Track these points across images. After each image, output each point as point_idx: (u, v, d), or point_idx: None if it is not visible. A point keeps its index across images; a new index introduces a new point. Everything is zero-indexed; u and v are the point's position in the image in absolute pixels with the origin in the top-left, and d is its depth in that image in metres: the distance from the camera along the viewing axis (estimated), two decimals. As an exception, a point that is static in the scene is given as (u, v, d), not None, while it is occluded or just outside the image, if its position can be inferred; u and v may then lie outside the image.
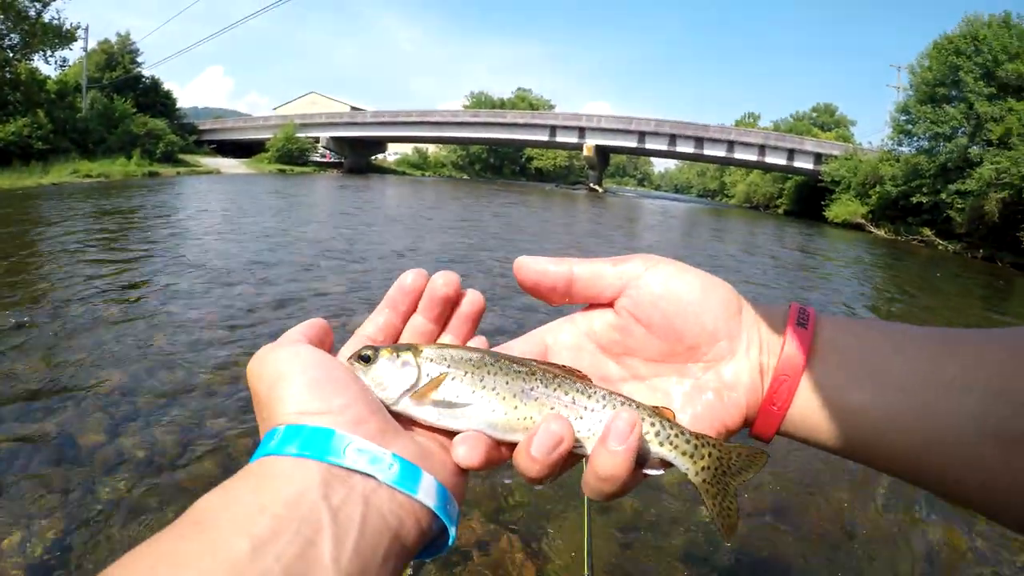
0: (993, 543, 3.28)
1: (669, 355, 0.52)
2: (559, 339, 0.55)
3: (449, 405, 0.49)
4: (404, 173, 60.22)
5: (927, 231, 28.63)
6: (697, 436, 0.49)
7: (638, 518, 3.20)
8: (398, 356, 0.50)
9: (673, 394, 0.52)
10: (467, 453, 0.47)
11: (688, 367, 0.52)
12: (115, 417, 3.90)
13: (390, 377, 0.49)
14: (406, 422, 0.50)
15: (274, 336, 0.49)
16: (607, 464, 0.45)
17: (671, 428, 0.49)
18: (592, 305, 0.55)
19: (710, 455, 0.49)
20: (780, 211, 51.07)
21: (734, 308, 0.51)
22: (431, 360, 0.50)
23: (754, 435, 0.52)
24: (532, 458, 0.46)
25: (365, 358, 0.50)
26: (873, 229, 32.31)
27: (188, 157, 37.81)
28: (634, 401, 0.49)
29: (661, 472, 0.49)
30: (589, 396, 0.49)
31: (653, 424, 0.48)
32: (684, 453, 0.49)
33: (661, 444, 0.48)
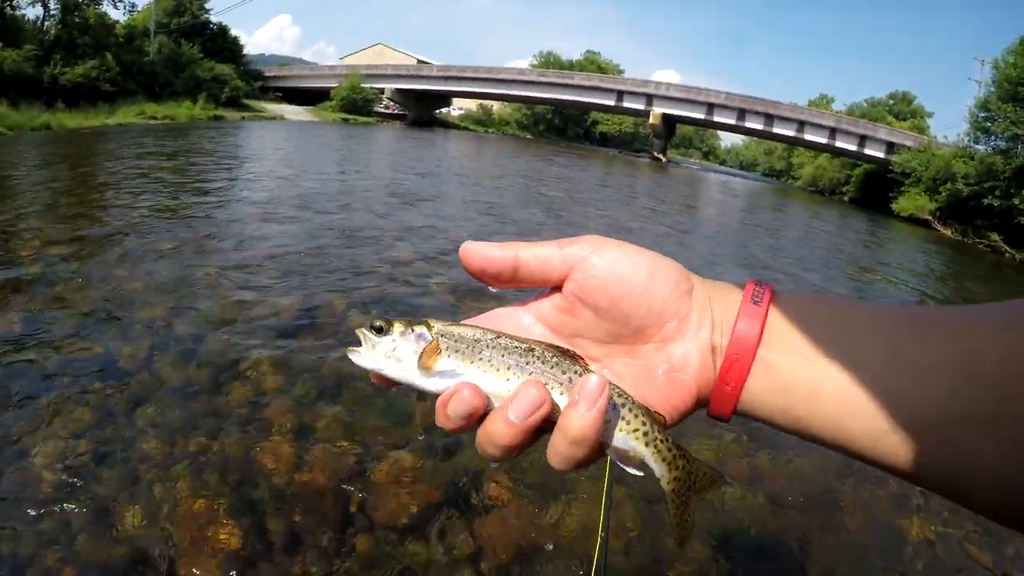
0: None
1: (618, 336, 0.52)
2: (511, 320, 0.55)
3: (452, 375, 0.50)
4: (468, 128, 60.68)
5: (995, 236, 27.55)
6: (677, 447, 0.50)
7: (658, 495, 3.17)
8: (412, 329, 0.51)
9: (624, 375, 0.52)
10: (470, 396, 0.48)
11: (638, 348, 0.52)
12: (156, 343, 4.06)
13: (404, 349, 0.51)
14: None
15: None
16: (576, 424, 0.45)
17: (659, 432, 0.49)
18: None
19: (683, 467, 0.50)
20: (846, 198, 49.19)
21: (683, 288, 0.51)
22: (442, 336, 0.51)
23: (712, 415, 0.51)
24: (509, 422, 0.46)
25: (378, 328, 0.51)
26: (939, 227, 31.18)
27: (253, 103, 38.34)
28: (630, 397, 0.49)
29: (640, 473, 0.50)
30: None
31: (644, 423, 0.48)
32: (664, 459, 0.49)
33: (647, 445, 0.49)
